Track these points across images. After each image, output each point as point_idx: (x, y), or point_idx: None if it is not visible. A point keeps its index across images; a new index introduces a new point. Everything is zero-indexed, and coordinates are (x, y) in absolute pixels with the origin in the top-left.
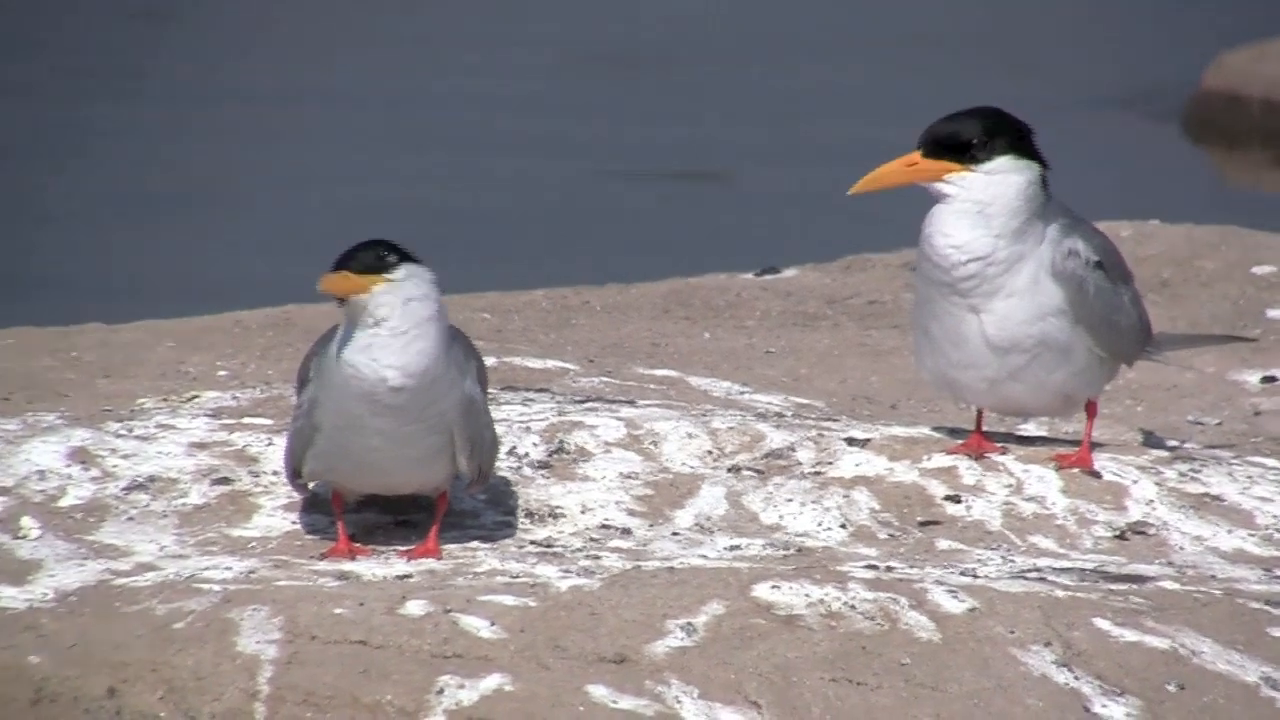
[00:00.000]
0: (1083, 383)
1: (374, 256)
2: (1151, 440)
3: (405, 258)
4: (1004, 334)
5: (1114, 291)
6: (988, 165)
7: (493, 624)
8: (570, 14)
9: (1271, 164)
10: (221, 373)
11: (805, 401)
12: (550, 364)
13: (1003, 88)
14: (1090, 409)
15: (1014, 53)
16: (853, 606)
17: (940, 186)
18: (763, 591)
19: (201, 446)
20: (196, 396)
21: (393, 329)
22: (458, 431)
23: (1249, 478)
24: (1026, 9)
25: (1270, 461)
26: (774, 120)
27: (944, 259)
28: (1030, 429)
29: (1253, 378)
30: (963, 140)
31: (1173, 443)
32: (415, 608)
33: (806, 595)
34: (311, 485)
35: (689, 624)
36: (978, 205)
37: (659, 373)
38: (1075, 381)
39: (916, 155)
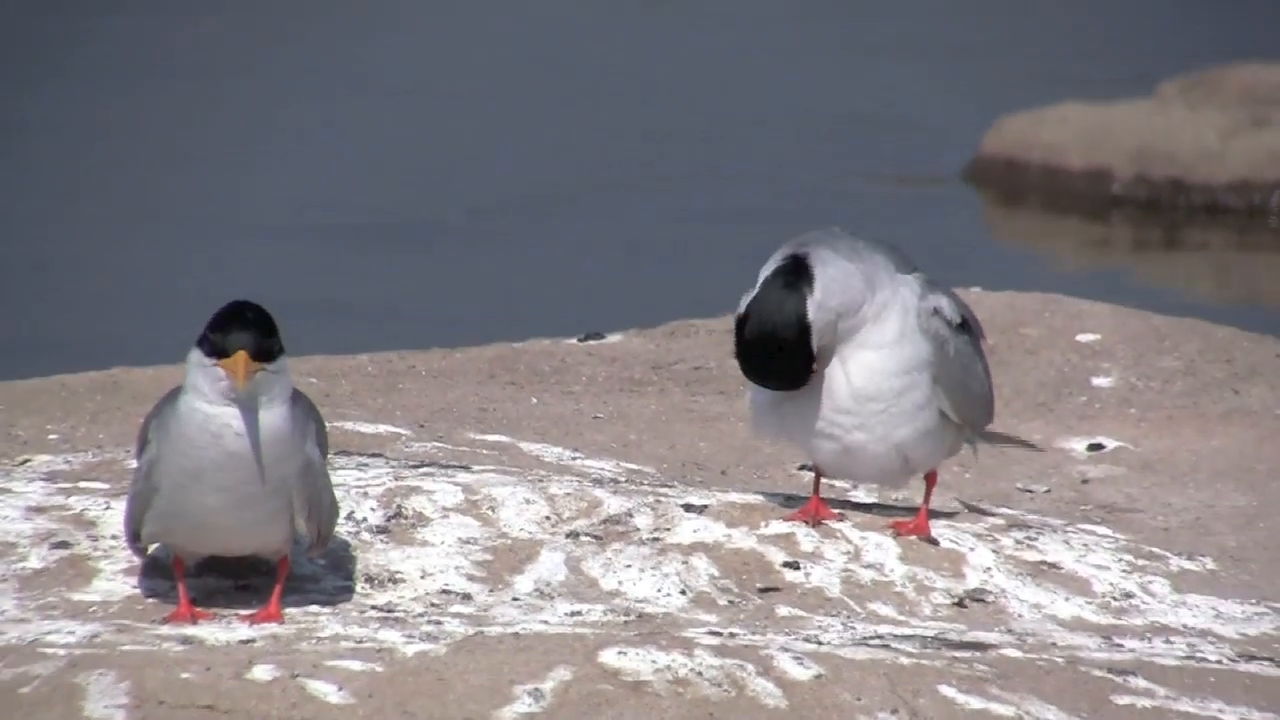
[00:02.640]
0: (927, 446)
1: (267, 345)
2: (985, 508)
3: (281, 344)
4: (869, 385)
5: (973, 356)
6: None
7: (340, 689)
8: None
9: (1050, 226)
10: (52, 436)
11: (636, 467)
12: (382, 429)
13: (789, 150)
14: (930, 477)
15: (796, 115)
16: (700, 673)
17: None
18: (609, 657)
19: (39, 510)
20: (29, 460)
21: (256, 403)
22: (297, 494)
23: (1084, 545)
24: (809, 68)
25: (1102, 529)
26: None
27: None
28: (864, 497)
29: (1079, 445)
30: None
31: (1004, 511)
32: (262, 672)
33: (653, 661)
34: (151, 548)
35: (536, 689)
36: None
37: (490, 438)
38: (921, 443)
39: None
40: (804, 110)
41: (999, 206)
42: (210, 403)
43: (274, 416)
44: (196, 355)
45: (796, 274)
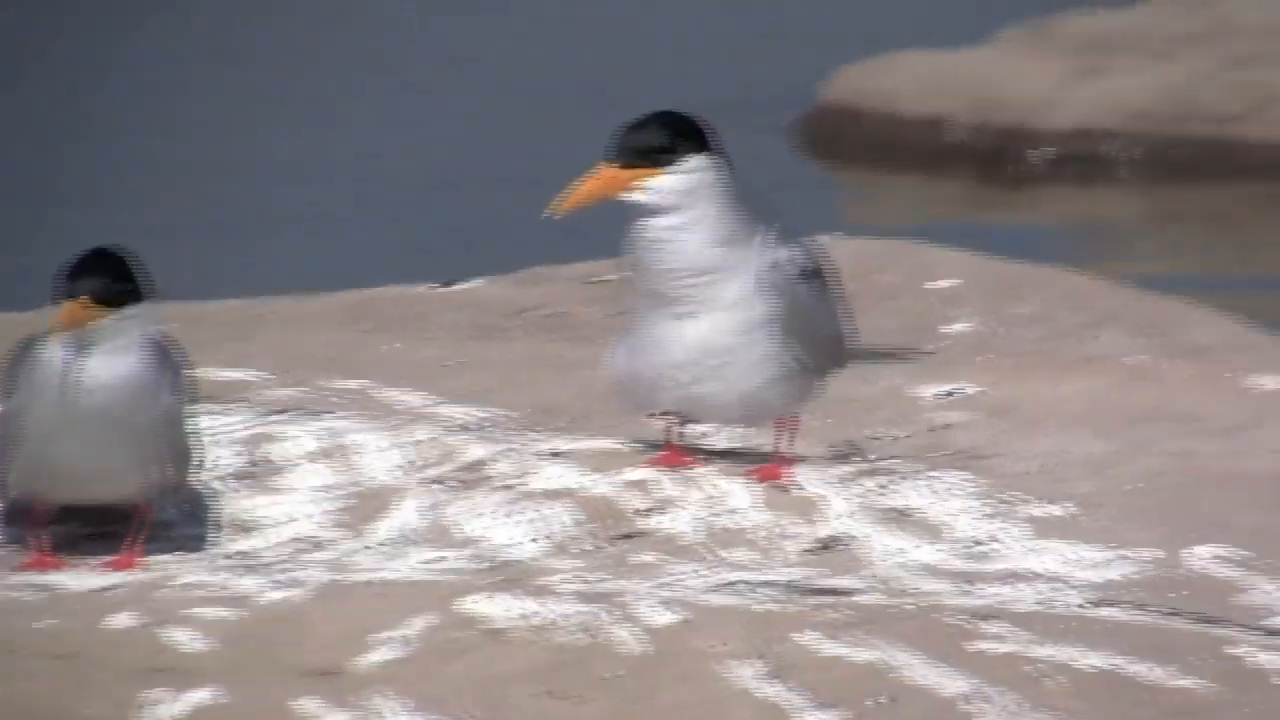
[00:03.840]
0: (778, 394)
1: (110, 290)
2: (842, 453)
3: (136, 290)
4: (709, 342)
5: (821, 303)
6: (679, 166)
7: (199, 636)
8: None
9: (888, 176)
10: None
11: (495, 413)
12: (239, 374)
13: (615, 98)
14: (788, 423)
15: (623, 61)
16: (559, 620)
17: (635, 196)
18: (469, 605)
19: None
20: None
21: (107, 347)
22: (159, 442)
23: (941, 491)
24: (634, 17)
25: (957, 475)
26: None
27: (659, 273)
28: (725, 443)
29: (934, 391)
30: (651, 145)
31: (857, 456)
32: (120, 620)
33: (512, 608)
34: (13, 495)
35: (397, 636)
36: (681, 210)
37: (347, 384)
38: (770, 392)
39: (607, 167)
40: (637, 58)
41: (836, 155)
42: (65, 352)
43: (129, 365)
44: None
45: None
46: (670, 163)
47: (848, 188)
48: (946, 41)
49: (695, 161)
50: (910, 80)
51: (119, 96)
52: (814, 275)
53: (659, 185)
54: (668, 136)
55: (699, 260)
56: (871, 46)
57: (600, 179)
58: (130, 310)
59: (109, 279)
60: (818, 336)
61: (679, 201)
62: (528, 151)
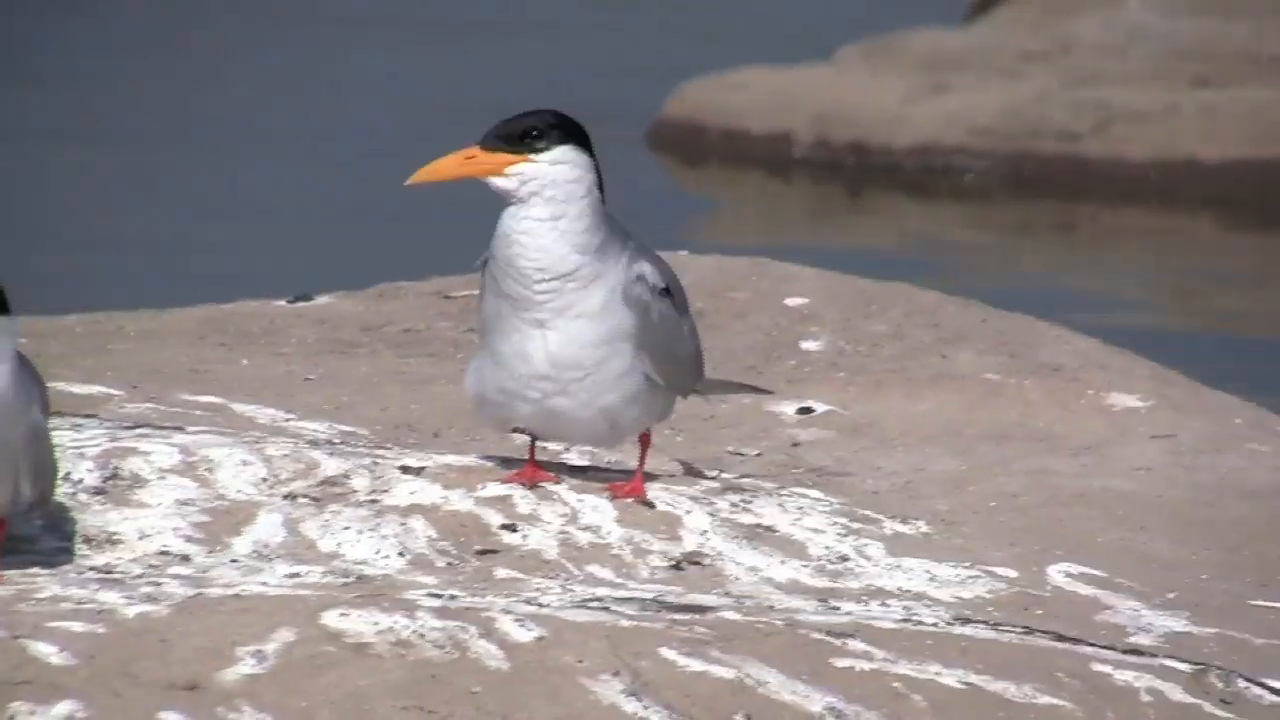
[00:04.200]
0: (635, 410)
1: None
2: (694, 470)
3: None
4: (567, 353)
5: (677, 321)
6: (547, 155)
7: (62, 650)
8: None
9: (734, 189)
10: None
11: (350, 429)
12: (94, 389)
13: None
14: (644, 439)
15: (473, 72)
16: (422, 635)
17: (498, 181)
18: (331, 619)
19: None
20: None
21: None
22: (23, 459)
23: (799, 508)
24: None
25: (814, 493)
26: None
27: (523, 272)
28: (580, 460)
29: (789, 409)
30: (521, 130)
31: (715, 473)
32: None
33: (375, 623)
34: None
35: (259, 651)
36: (543, 201)
37: (203, 399)
38: (627, 408)
39: (475, 149)
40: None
41: (682, 170)
42: None
43: (1, 380)
44: None
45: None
46: (538, 150)
47: (692, 203)
48: (787, 58)
49: (562, 153)
50: (752, 96)
51: None
52: (669, 293)
53: (522, 171)
54: (540, 125)
55: (560, 262)
56: (710, 64)
57: (463, 155)
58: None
59: None
60: (672, 353)
61: (540, 191)
62: (383, 181)
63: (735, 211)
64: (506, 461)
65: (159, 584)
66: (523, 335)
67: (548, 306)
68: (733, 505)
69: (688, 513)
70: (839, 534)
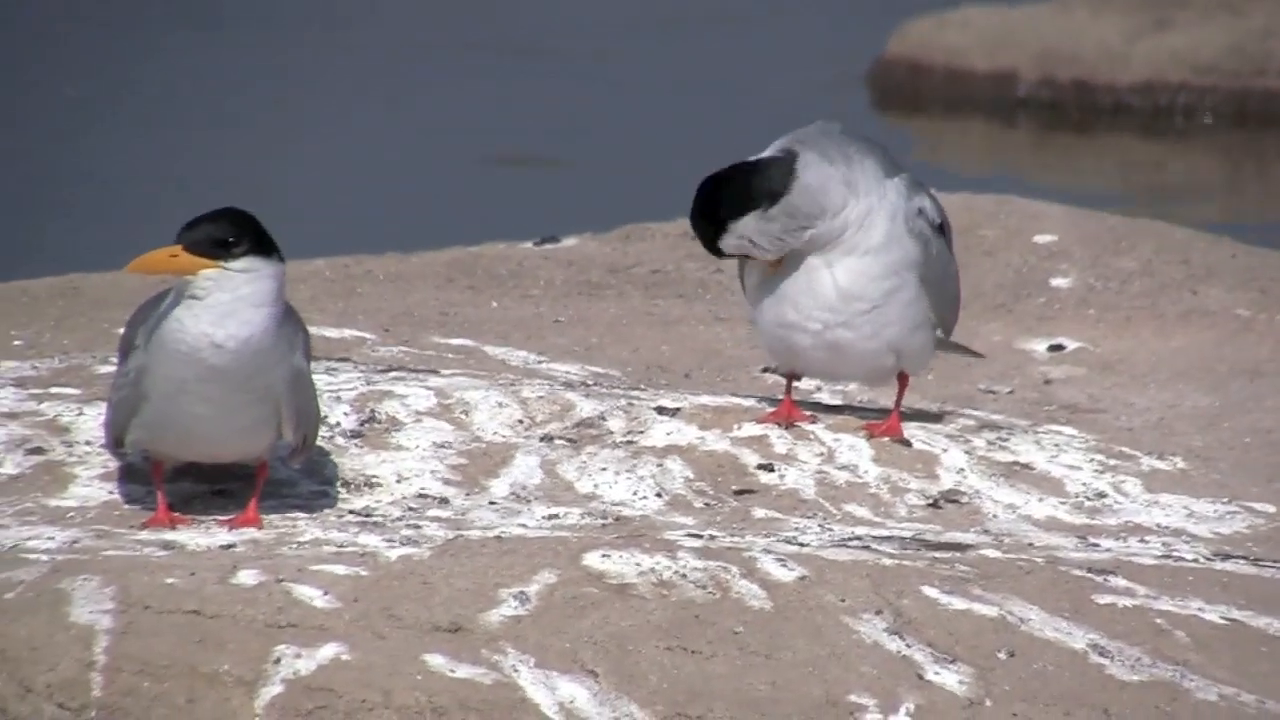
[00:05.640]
0: (917, 341)
1: (214, 241)
2: (952, 409)
3: (254, 246)
4: (855, 286)
5: (949, 259)
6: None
7: (326, 593)
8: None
9: (956, 128)
10: (17, 342)
11: (601, 370)
12: (346, 333)
13: (689, 52)
14: (902, 379)
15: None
16: (684, 575)
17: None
18: (593, 560)
19: (11, 416)
20: None
21: (215, 303)
22: (285, 402)
23: (1054, 445)
24: None
25: (1068, 430)
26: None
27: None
28: (833, 399)
29: (1040, 346)
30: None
31: (971, 412)
32: (247, 577)
33: (637, 564)
34: (131, 454)
35: (522, 593)
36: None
37: (454, 341)
38: (910, 338)
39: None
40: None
41: (903, 110)
42: (185, 311)
43: (249, 324)
44: None
45: (768, 171)
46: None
47: (915, 140)
48: None
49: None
50: (974, 35)
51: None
52: (943, 230)
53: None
54: (231, 233)
55: None
56: (933, 3)
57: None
58: (239, 264)
59: (215, 231)
60: (945, 290)
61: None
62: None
63: (955, 148)
64: (761, 402)
65: (418, 527)
66: (808, 271)
67: (833, 247)
68: (989, 443)
69: (944, 451)
70: (1095, 471)
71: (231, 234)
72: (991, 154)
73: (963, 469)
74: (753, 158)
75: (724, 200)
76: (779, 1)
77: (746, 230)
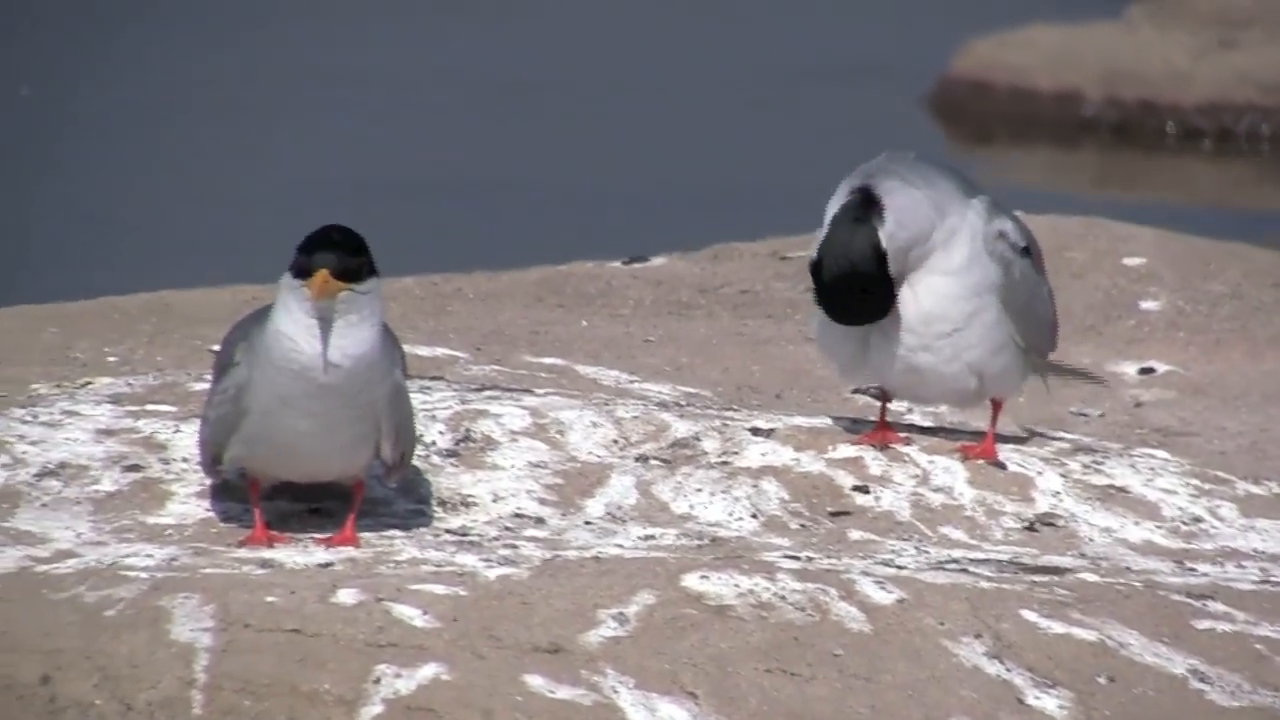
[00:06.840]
0: (1000, 364)
1: (353, 265)
2: (1045, 432)
3: (372, 266)
4: (938, 307)
5: (1037, 281)
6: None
7: (425, 612)
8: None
9: (1022, 148)
10: (111, 358)
11: (693, 391)
12: (439, 351)
13: (748, 58)
14: (995, 402)
15: (758, 21)
16: (782, 597)
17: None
18: (692, 581)
19: (109, 433)
20: (90, 382)
21: (344, 324)
22: (385, 419)
23: (1150, 469)
24: None
25: (1162, 453)
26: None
27: None
28: (926, 420)
29: (1131, 369)
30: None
31: (1066, 435)
32: (347, 596)
33: (736, 585)
34: (228, 471)
35: (621, 614)
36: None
37: (545, 360)
38: (993, 361)
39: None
40: (771, 43)
41: (969, 129)
42: (299, 327)
43: (363, 341)
44: (286, 278)
45: (865, 208)
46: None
47: (980, 161)
48: (1076, 16)
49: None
50: (1039, 54)
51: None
52: (1029, 252)
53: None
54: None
55: None
56: (997, 22)
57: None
58: (365, 285)
59: (345, 253)
60: (1033, 312)
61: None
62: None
63: (1021, 169)
64: (855, 423)
65: (516, 546)
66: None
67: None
68: (1084, 466)
69: (1039, 474)
70: (1191, 495)
71: (363, 257)
72: (1059, 174)
73: (1058, 492)
74: (830, 207)
75: (864, 262)
76: (842, 10)
77: (897, 265)
